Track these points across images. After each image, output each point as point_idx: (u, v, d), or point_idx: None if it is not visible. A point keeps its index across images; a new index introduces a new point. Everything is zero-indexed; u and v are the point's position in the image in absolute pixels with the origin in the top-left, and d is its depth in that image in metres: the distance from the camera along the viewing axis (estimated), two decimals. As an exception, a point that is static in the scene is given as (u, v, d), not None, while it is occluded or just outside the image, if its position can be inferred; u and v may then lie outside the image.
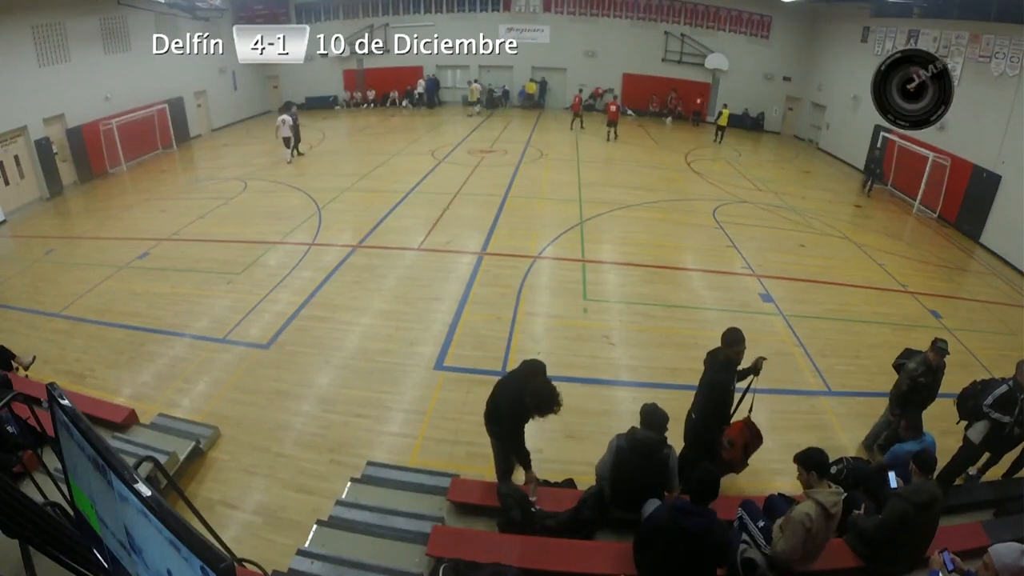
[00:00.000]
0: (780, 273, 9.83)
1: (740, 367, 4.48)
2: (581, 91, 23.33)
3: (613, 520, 4.27)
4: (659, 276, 9.58)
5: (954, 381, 5.52)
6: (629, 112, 24.05)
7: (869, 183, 15.34)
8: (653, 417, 3.86)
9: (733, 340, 4.33)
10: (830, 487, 3.56)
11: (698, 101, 23.20)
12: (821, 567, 3.91)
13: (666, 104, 23.60)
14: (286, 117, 15.93)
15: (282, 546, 4.34)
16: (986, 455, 5.12)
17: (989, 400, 4.79)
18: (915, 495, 3.67)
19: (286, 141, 15.97)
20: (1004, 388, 4.79)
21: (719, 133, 19.94)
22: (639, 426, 3.90)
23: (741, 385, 4.65)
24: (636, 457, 3.84)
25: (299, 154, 16.54)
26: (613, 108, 19.05)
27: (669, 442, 3.94)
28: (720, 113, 20.23)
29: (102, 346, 7.36)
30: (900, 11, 15.47)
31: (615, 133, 19.04)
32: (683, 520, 3.12)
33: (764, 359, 4.48)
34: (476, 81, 23.96)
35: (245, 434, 5.78)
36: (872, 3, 16.68)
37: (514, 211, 12.31)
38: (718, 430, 4.54)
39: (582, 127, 20.39)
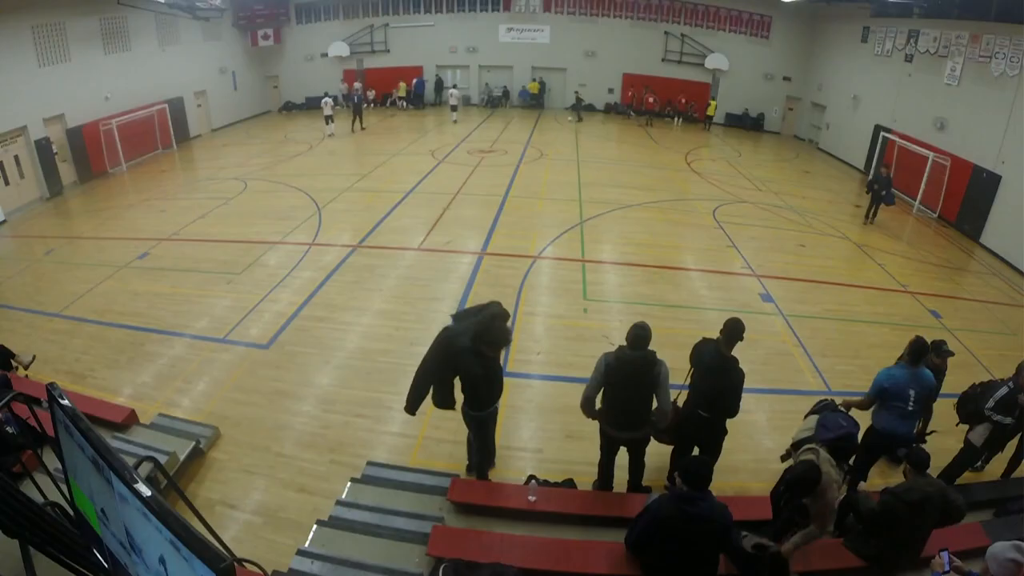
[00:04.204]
0: (780, 273, 9.83)
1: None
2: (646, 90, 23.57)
3: (613, 519, 4.28)
4: (659, 276, 9.58)
5: (954, 381, 5.53)
6: (631, 113, 24.08)
7: (873, 209, 12.81)
8: (637, 336, 4.12)
9: (741, 332, 4.30)
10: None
11: (682, 100, 23.42)
12: (821, 567, 3.91)
13: (669, 104, 23.63)
14: (328, 99, 19.61)
15: (282, 546, 4.34)
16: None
17: (991, 403, 4.80)
18: (907, 494, 3.70)
19: (327, 119, 19.43)
20: (1004, 390, 4.79)
21: (707, 122, 22.66)
22: (627, 347, 4.17)
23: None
24: (624, 374, 4.12)
25: (362, 128, 20.49)
26: (651, 100, 23.10)
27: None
28: (708, 105, 22.58)
29: (102, 346, 7.36)
30: (900, 11, 15.47)
31: (651, 122, 22.81)
32: (688, 507, 3.20)
33: None
34: (455, 86, 23.38)
35: (245, 434, 5.78)
36: (872, 3, 16.68)
37: (514, 211, 12.31)
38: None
39: (631, 116, 23.87)
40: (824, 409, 4.50)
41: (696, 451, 4.79)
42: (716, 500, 3.26)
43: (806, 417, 4.57)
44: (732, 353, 4.32)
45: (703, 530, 3.21)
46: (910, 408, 4.62)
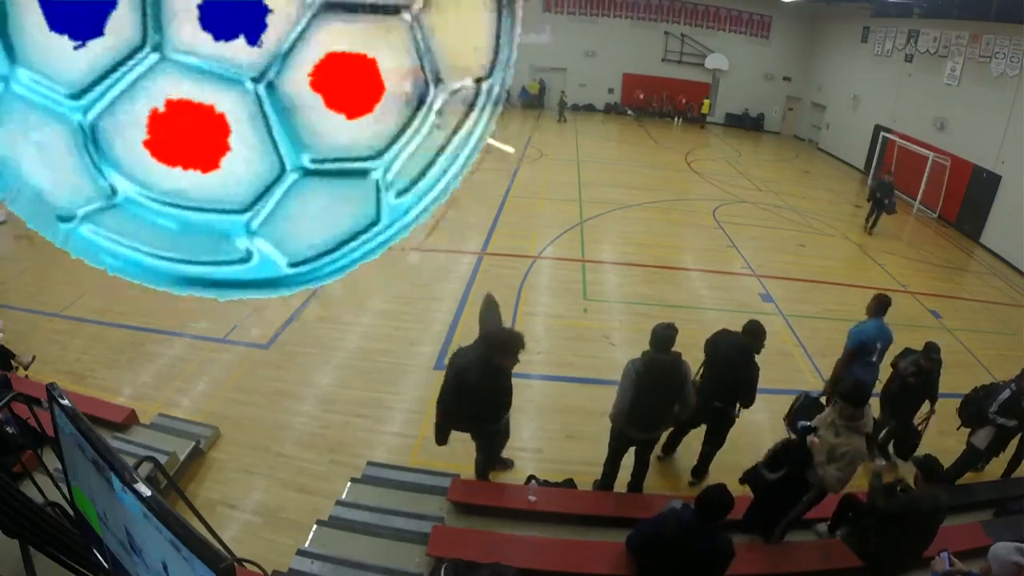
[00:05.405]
0: (780, 273, 9.83)
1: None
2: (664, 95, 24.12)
3: (613, 519, 4.28)
4: (659, 276, 9.58)
5: (954, 382, 5.52)
6: (629, 112, 24.09)
7: (874, 217, 12.21)
8: (665, 338, 4.10)
9: (762, 338, 4.42)
10: None
11: (682, 100, 23.70)
12: (821, 567, 3.91)
13: (670, 104, 23.69)
14: None
15: (282, 546, 4.34)
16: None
17: (994, 407, 4.78)
18: (916, 504, 3.65)
19: None
20: (1008, 393, 4.78)
21: (702, 120, 23.53)
22: (652, 350, 4.15)
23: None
24: (653, 378, 4.07)
25: None
26: (642, 96, 24.19)
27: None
28: (702, 104, 23.40)
29: (102, 346, 7.35)
30: (900, 11, 15.49)
31: (640, 119, 23.75)
32: (693, 541, 3.09)
33: None
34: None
35: (245, 434, 5.78)
36: (872, 3, 16.70)
37: (514, 211, 12.31)
38: None
39: (628, 114, 24.72)
40: (805, 406, 4.61)
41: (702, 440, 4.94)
42: (723, 537, 3.14)
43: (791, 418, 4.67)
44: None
45: (702, 560, 3.14)
46: (874, 359, 5.08)
